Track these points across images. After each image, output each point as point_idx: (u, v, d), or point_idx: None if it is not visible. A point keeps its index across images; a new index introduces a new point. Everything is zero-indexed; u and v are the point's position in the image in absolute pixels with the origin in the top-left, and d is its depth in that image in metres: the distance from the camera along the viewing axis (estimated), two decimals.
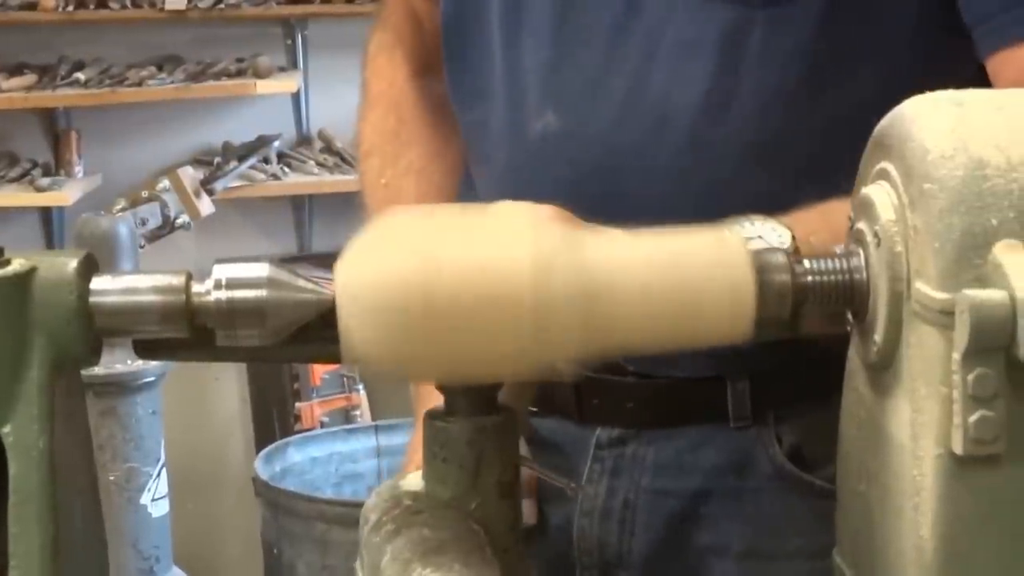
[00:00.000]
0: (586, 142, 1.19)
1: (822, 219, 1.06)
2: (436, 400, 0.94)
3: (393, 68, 1.42)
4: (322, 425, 3.83)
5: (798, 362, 1.16)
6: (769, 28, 1.14)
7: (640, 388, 1.22)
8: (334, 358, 0.85)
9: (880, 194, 0.80)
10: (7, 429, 0.82)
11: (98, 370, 2.81)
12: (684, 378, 1.21)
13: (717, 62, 1.15)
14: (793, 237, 1.00)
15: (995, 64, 1.11)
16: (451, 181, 1.36)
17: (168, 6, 3.91)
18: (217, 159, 3.96)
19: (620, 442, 1.24)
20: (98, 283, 0.85)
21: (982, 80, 1.12)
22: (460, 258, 0.80)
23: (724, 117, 1.15)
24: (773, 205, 1.06)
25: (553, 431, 1.25)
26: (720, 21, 1.14)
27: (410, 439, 1.32)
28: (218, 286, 0.83)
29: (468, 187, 1.34)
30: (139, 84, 3.87)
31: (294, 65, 4.11)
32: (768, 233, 1.00)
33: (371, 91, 1.43)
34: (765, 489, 1.21)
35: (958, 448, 0.73)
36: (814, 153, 1.14)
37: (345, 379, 3.93)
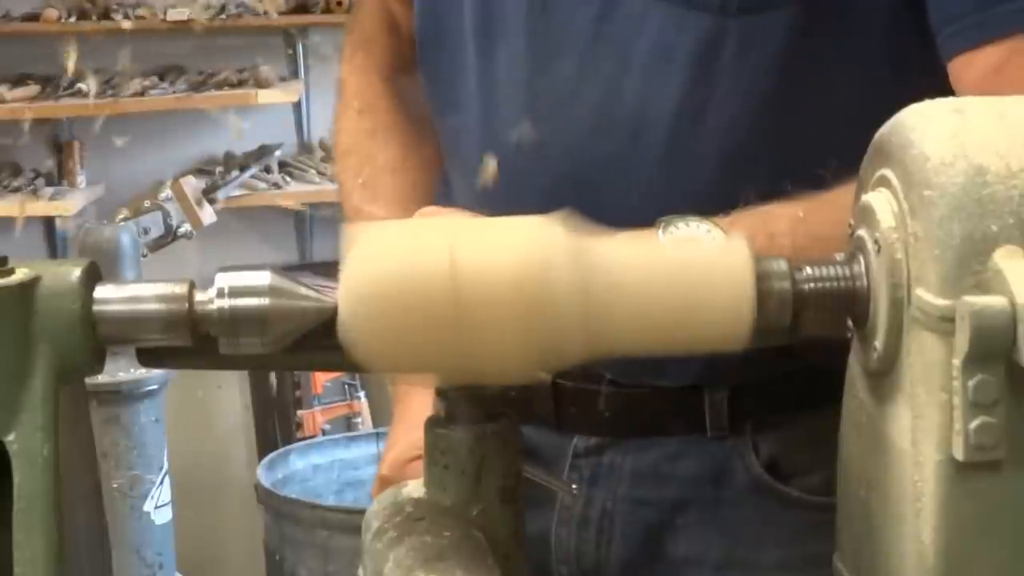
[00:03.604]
0: (561, 152, 1.19)
1: (761, 222, 1.07)
2: (416, 401, 0.94)
3: (369, 68, 1.42)
4: (324, 432, 3.84)
5: (776, 374, 1.17)
6: (743, 37, 1.14)
7: (617, 397, 1.22)
8: (336, 366, 0.85)
9: (880, 201, 0.80)
10: (12, 437, 0.82)
11: (101, 378, 2.81)
12: (661, 388, 1.21)
13: (691, 72, 1.15)
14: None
15: (956, 67, 1.11)
16: (427, 180, 1.36)
17: (170, 17, 3.92)
18: (219, 168, 3.97)
19: (597, 451, 1.24)
20: (101, 292, 0.85)
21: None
22: (465, 261, 0.81)
23: (699, 127, 1.15)
24: None
25: (530, 438, 1.24)
26: (694, 30, 1.14)
27: (389, 436, 1.32)
28: (220, 294, 0.83)
29: (446, 190, 1.34)
30: (141, 94, 3.88)
31: (295, 75, 4.12)
32: (703, 235, 1.00)
33: (348, 91, 1.43)
34: (742, 499, 1.21)
35: (959, 454, 0.73)
36: (789, 162, 1.13)
37: (347, 387, 3.94)
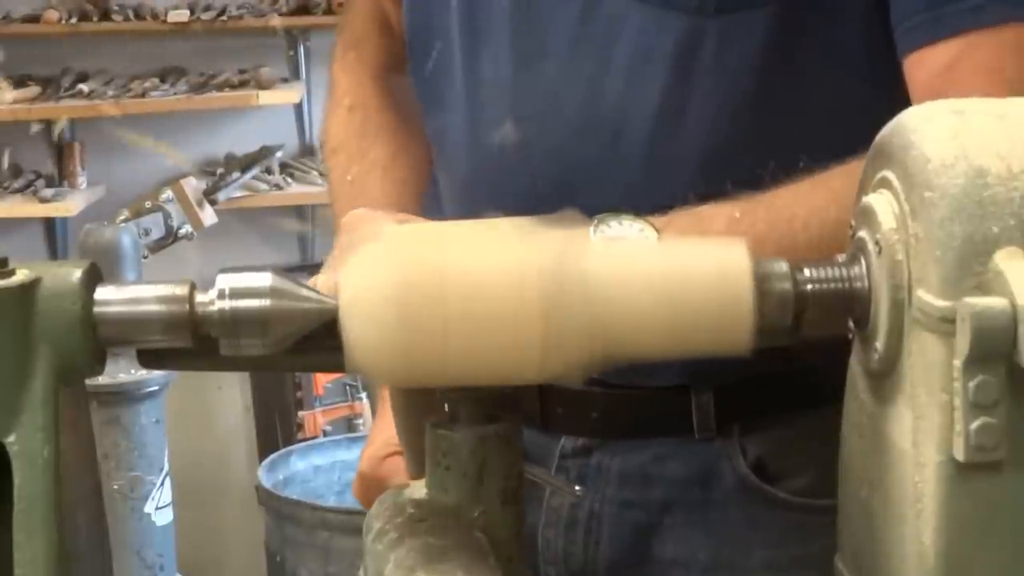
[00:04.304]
0: (543, 154, 1.19)
1: (696, 222, 1.07)
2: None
3: (360, 66, 1.42)
4: (325, 434, 3.83)
5: (763, 375, 1.17)
6: (721, 38, 1.14)
7: (605, 398, 1.22)
8: (337, 367, 0.85)
9: (881, 203, 0.80)
10: (12, 438, 0.82)
11: (102, 379, 2.78)
12: (649, 389, 1.20)
13: (671, 72, 1.15)
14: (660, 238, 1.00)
15: (910, 65, 1.11)
16: (416, 178, 1.35)
17: (171, 18, 3.92)
18: (220, 170, 3.97)
19: (585, 452, 1.24)
20: (102, 293, 0.85)
21: None
22: (466, 267, 0.81)
23: (679, 128, 1.15)
24: None
25: None
26: (672, 31, 1.14)
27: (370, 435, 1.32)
28: (221, 296, 0.83)
29: (434, 190, 1.34)
30: (142, 95, 3.88)
31: (296, 76, 4.12)
32: (635, 233, 1.00)
33: (338, 88, 1.43)
34: (730, 501, 1.21)
35: (960, 455, 0.73)
36: (769, 164, 1.13)
37: (348, 388, 3.94)
